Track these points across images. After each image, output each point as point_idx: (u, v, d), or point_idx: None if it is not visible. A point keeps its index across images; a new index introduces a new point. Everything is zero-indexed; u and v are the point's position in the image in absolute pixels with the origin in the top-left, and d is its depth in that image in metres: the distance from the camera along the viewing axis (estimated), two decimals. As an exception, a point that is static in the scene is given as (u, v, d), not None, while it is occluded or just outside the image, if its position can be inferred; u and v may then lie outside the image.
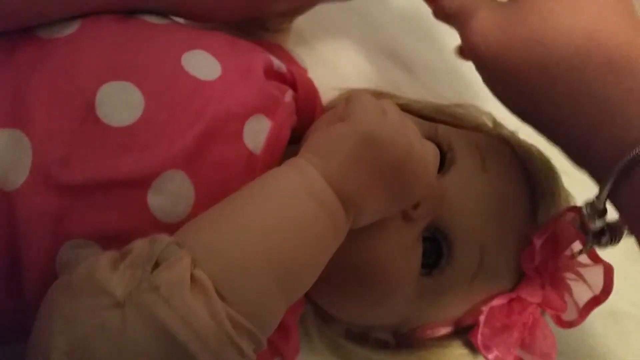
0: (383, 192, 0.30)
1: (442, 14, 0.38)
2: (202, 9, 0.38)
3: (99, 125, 0.30)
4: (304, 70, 0.47)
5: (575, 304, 0.36)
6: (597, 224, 0.31)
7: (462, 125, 0.41)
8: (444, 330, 0.39)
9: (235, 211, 0.27)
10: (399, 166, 0.29)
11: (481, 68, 0.34)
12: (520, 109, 0.34)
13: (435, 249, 0.35)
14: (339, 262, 0.30)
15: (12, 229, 0.28)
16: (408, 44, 0.46)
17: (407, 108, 0.42)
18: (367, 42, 0.47)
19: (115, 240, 0.29)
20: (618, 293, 0.35)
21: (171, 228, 0.30)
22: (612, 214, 0.31)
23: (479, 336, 0.36)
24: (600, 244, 0.32)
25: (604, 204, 0.30)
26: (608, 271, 0.35)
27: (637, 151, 0.27)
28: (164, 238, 0.25)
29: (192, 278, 0.24)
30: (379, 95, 0.44)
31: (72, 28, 0.32)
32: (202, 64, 0.34)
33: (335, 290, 0.36)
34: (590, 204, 0.31)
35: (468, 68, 0.37)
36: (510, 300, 0.36)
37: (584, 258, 0.36)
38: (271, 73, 0.37)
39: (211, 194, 0.31)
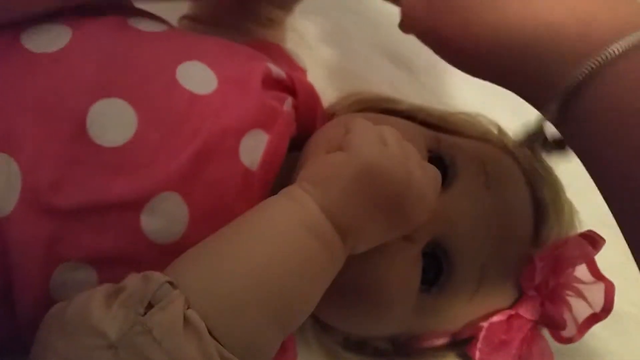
0: (382, 221, 0.29)
1: None
2: None
3: (90, 146, 0.29)
4: (303, 71, 0.45)
5: (575, 320, 0.36)
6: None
7: (466, 134, 0.40)
8: (441, 341, 0.39)
9: (230, 246, 0.27)
10: (398, 198, 0.29)
11: (421, 39, 0.33)
12: (467, 71, 0.32)
13: (435, 265, 0.35)
14: (338, 280, 0.29)
15: (3, 255, 0.28)
16: (408, 44, 0.45)
17: (410, 115, 0.41)
18: (367, 42, 0.46)
19: (109, 262, 0.29)
20: (618, 293, 0.35)
21: (166, 248, 0.30)
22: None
23: (477, 352, 0.36)
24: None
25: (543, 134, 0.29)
26: (609, 290, 0.35)
27: (574, 79, 0.25)
28: (158, 277, 0.25)
29: (185, 319, 0.23)
30: (384, 100, 0.43)
31: (61, 41, 0.31)
32: (198, 76, 0.33)
33: (334, 305, 0.35)
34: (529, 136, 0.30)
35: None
36: (509, 317, 0.36)
37: (585, 275, 0.36)
38: (270, 82, 0.36)
39: (206, 214, 0.31)
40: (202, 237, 0.28)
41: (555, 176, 0.38)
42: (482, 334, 0.36)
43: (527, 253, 0.35)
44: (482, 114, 0.41)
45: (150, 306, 0.24)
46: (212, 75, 0.33)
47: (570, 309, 0.36)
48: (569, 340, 0.36)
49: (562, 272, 0.35)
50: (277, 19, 0.45)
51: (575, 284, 0.36)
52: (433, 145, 0.36)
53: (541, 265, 0.34)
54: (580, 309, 0.36)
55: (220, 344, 0.24)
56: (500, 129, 0.41)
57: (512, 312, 0.36)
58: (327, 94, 0.43)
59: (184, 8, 0.45)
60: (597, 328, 0.47)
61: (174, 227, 0.30)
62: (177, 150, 0.30)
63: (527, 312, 0.36)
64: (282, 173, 0.34)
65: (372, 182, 0.28)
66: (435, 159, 0.36)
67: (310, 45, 0.46)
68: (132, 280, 0.25)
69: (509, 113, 0.40)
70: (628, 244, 0.26)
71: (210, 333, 0.24)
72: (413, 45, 0.33)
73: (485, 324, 0.36)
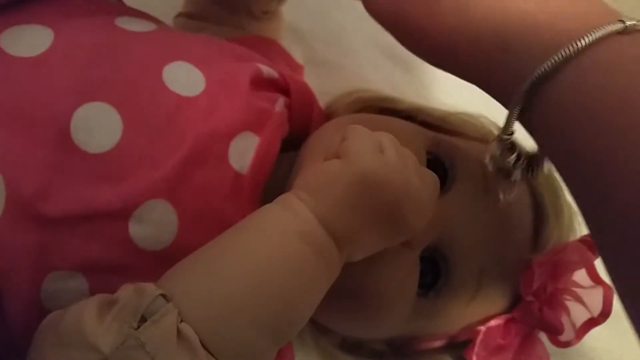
0: (379, 230, 0.29)
1: None
2: None
3: (75, 153, 0.28)
4: (300, 67, 0.45)
5: (572, 324, 0.36)
6: (510, 158, 0.29)
7: (467, 135, 0.40)
8: (438, 344, 0.39)
9: (223, 258, 0.26)
10: (395, 206, 0.28)
11: (383, 25, 0.31)
12: (431, 61, 0.31)
13: (433, 268, 0.34)
14: (336, 284, 0.29)
15: None
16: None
17: (410, 115, 0.40)
18: (367, 42, 0.45)
19: (100, 270, 0.29)
20: (618, 293, 0.35)
21: (156, 255, 0.30)
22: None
23: (474, 356, 0.36)
24: (515, 176, 0.30)
25: (511, 134, 0.28)
26: (608, 294, 0.35)
27: (540, 71, 0.25)
28: (151, 289, 0.24)
29: (179, 333, 0.23)
30: (383, 99, 0.42)
31: (43, 45, 0.30)
32: (185, 77, 0.32)
33: (331, 309, 0.35)
34: (499, 138, 0.28)
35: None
36: (507, 321, 0.36)
37: (584, 280, 0.36)
38: (260, 82, 0.35)
39: (196, 219, 0.30)
40: (192, 243, 0.28)
41: (555, 178, 0.38)
42: (479, 338, 0.36)
43: (526, 258, 0.35)
44: (484, 115, 0.41)
45: (143, 319, 0.23)
46: (200, 76, 0.32)
47: (568, 313, 0.36)
48: (567, 344, 0.36)
49: (560, 278, 0.34)
50: (272, 10, 0.44)
51: (574, 288, 0.36)
52: (432, 147, 0.36)
53: (540, 271, 0.34)
54: (579, 313, 0.36)
55: (214, 356, 0.24)
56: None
57: (510, 316, 0.36)
58: (326, 92, 0.43)
59: (179, 7, 0.44)
60: (596, 328, 0.47)
61: (163, 234, 0.30)
62: (165, 156, 0.30)
63: (524, 317, 0.35)
64: (275, 174, 0.34)
65: (369, 190, 0.28)
66: (435, 161, 0.35)
67: (310, 45, 0.46)
68: (125, 292, 0.25)
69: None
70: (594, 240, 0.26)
71: (203, 346, 0.23)
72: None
73: (482, 328, 0.36)
